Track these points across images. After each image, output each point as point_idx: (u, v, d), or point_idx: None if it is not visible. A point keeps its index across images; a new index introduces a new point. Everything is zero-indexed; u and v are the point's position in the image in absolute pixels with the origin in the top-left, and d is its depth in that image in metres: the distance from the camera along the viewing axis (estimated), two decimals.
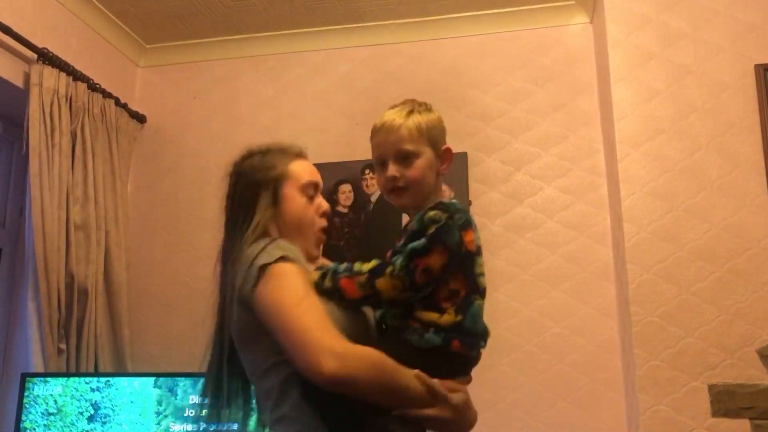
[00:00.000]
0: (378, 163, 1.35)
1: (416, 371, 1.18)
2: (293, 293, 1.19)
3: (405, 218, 1.44)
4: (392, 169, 1.30)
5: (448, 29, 3.01)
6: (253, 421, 1.38)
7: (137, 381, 2.40)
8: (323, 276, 1.27)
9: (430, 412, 1.18)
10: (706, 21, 2.47)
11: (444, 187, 1.43)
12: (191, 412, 2.37)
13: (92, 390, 2.36)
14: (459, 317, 1.23)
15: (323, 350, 1.11)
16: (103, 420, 2.34)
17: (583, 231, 2.70)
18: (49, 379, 2.34)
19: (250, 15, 3.00)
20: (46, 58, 2.53)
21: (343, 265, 1.28)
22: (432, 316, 1.23)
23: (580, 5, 2.87)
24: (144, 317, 2.96)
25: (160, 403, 2.38)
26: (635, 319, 2.29)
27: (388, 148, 1.31)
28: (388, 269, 1.20)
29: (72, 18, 2.80)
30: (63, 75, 2.61)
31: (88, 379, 2.39)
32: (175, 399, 2.38)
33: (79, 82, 2.69)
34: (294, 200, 1.37)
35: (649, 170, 2.40)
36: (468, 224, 1.27)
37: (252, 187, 1.37)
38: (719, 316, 2.24)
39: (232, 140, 3.03)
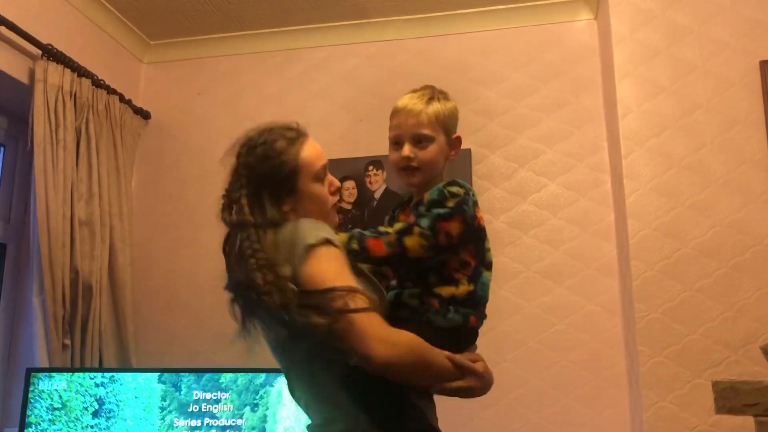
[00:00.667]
0: (393, 142, 1.45)
1: (447, 353, 1.28)
2: (340, 277, 1.20)
3: None
4: (407, 150, 1.40)
5: (452, 26, 3.00)
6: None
7: (141, 376, 2.41)
8: (350, 239, 1.33)
9: (460, 384, 1.31)
10: (711, 17, 2.47)
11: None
12: (195, 408, 2.38)
13: (97, 385, 2.37)
14: (471, 286, 1.36)
15: (373, 337, 1.15)
16: (108, 415, 2.35)
17: (587, 228, 2.69)
18: (53, 374, 2.35)
19: (254, 11, 3.00)
20: (50, 54, 2.54)
21: (368, 231, 1.35)
22: (450, 289, 1.34)
23: (585, 1, 2.86)
24: (148, 313, 2.96)
25: (164, 399, 2.39)
26: (639, 316, 2.29)
27: (407, 131, 1.41)
28: (416, 229, 1.31)
29: (76, 14, 2.80)
30: (67, 71, 2.61)
31: (92, 374, 2.40)
32: (179, 394, 2.39)
33: (83, 79, 2.70)
34: (312, 192, 1.38)
35: (654, 167, 2.40)
36: (477, 203, 1.43)
37: (265, 182, 1.36)
38: (723, 313, 2.24)
39: (236, 136, 3.02)
